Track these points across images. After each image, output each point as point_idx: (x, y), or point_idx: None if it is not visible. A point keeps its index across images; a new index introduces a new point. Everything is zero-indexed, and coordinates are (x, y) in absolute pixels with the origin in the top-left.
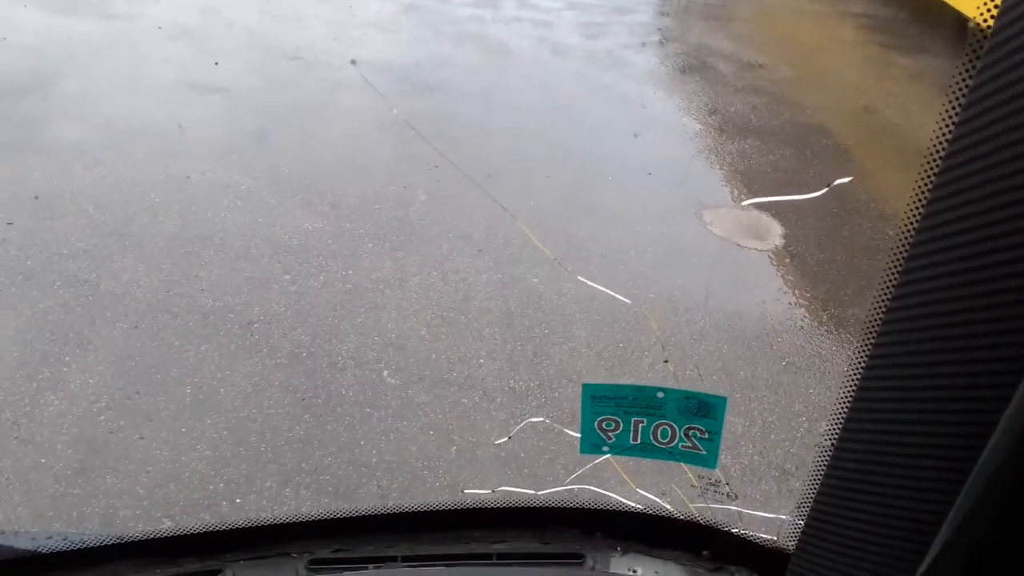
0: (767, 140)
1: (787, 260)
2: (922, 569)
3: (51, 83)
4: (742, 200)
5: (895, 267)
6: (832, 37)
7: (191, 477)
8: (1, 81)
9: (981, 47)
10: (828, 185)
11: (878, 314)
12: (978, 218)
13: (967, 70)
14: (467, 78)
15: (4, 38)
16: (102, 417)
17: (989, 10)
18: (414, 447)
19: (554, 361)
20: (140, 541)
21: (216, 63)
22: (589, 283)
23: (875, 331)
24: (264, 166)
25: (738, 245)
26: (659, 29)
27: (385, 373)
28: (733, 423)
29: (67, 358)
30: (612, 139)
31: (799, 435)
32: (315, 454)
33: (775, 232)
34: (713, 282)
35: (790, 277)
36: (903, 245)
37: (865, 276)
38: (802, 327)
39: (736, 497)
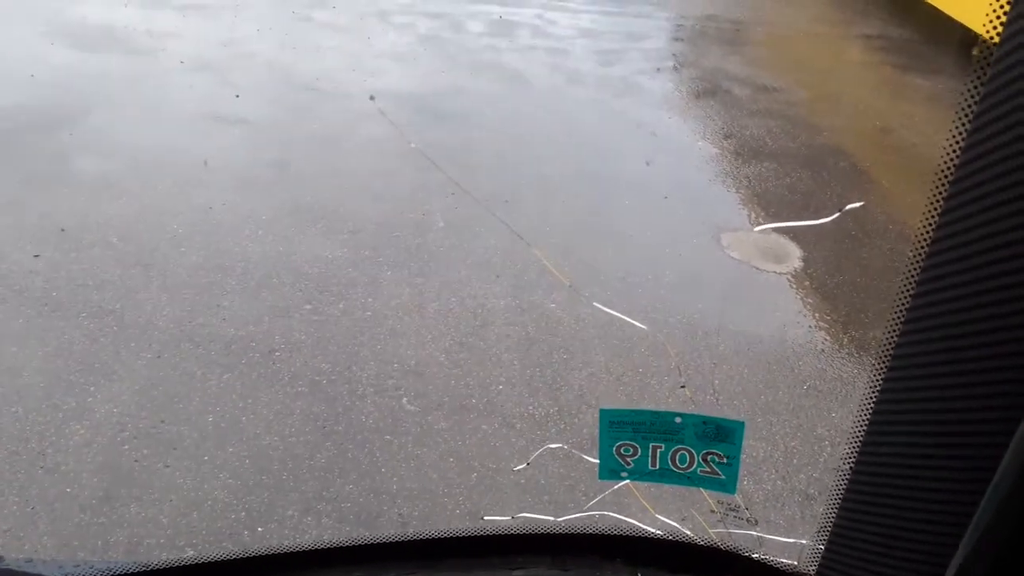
0: (783, 163)
1: (806, 283)
2: None
3: (77, 117)
4: (760, 223)
5: (908, 288)
6: (847, 59)
7: (214, 505)
8: (29, 116)
9: (988, 66)
10: (840, 210)
11: (893, 336)
12: (989, 241)
13: (974, 88)
14: (483, 106)
15: (32, 75)
16: (126, 446)
17: (995, 27)
18: (434, 474)
19: (573, 387)
20: (164, 569)
21: (237, 95)
22: (605, 309)
23: (889, 354)
24: (285, 196)
25: (756, 268)
26: (673, 55)
27: (405, 400)
28: (755, 447)
29: (92, 388)
30: (628, 164)
31: (822, 459)
32: (336, 482)
33: (793, 255)
34: (732, 305)
35: (809, 300)
36: (916, 266)
37: (885, 298)
38: (823, 350)
39: (756, 522)
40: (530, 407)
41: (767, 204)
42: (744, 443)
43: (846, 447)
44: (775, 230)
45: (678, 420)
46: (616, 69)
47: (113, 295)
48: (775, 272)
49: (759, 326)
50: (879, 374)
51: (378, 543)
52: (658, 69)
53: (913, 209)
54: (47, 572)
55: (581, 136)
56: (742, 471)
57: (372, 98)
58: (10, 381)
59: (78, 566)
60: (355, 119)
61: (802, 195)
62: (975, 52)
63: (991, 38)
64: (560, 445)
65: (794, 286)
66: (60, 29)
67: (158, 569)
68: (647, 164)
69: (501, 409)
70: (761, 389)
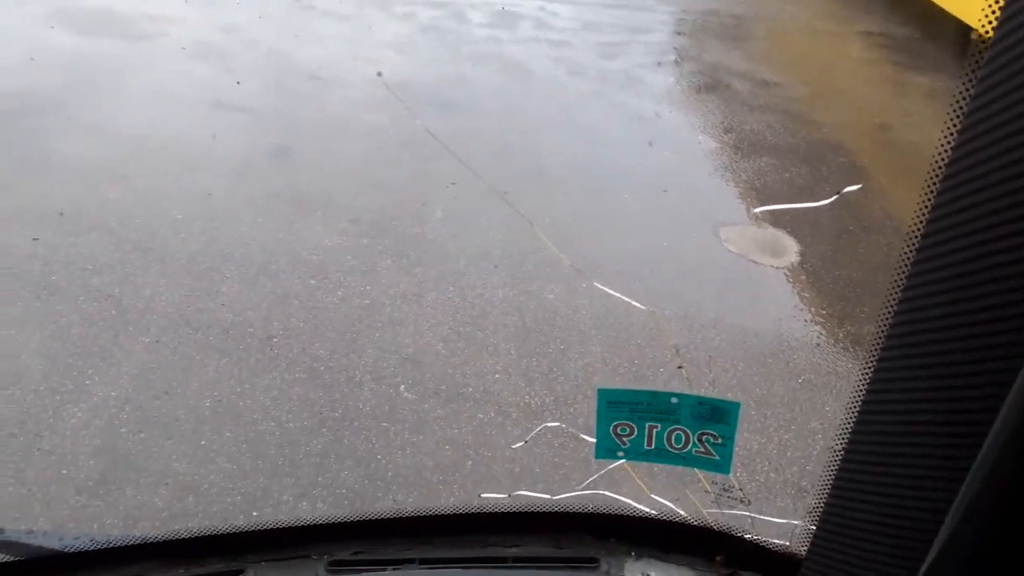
0: (782, 158)
1: (803, 277)
2: (924, 568)
3: (77, 102)
4: (758, 217)
5: (901, 277)
6: (848, 56)
7: (210, 489)
8: (29, 100)
9: (983, 58)
10: (838, 192)
11: (884, 326)
12: (980, 235)
13: (968, 80)
14: (484, 97)
15: (32, 58)
16: (124, 429)
17: (990, 20)
18: (430, 461)
19: (569, 377)
20: (164, 542)
21: (238, 82)
22: (606, 289)
23: (881, 342)
24: (285, 183)
25: (754, 262)
26: (675, 49)
27: (402, 388)
28: (749, 440)
29: (90, 371)
30: (628, 157)
31: (815, 452)
32: (332, 467)
33: (791, 249)
34: (729, 299)
35: (806, 294)
36: (909, 254)
37: (881, 294)
38: (818, 344)
39: (749, 503)
40: (526, 396)
41: (766, 199)
42: (738, 434)
43: (839, 433)
44: (773, 224)
45: (674, 400)
46: (618, 62)
47: (112, 279)
48: (772, 266)
49: (755, 320)
50: (871, 358)
51: (377, 519)
52: (659, 63)
53: (910, 205)
54: (47, 543)
55: (581, 128)
56: (735, 463)
57: (379, 74)
58: (8, 364)
59: (77, 538)
60: (356, 108)
61: (800, 190)
62: (974, 36)
63: (986, 33)
64: (558, 423)
65: (791, 280)
66: (61, 12)
67: (158, 541)
68: (649, 156)
69: (497, 398)
70: (756, 382)
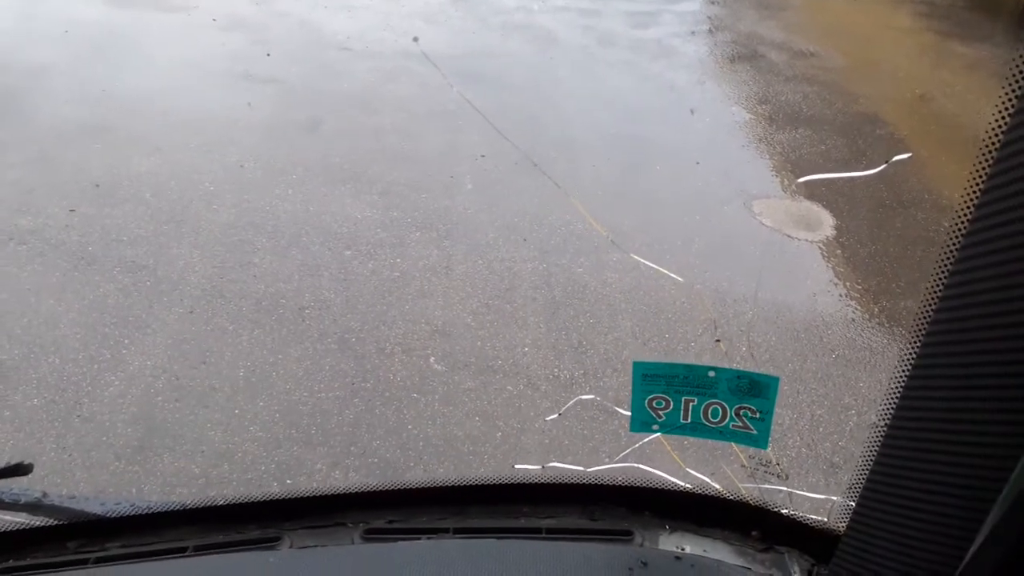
0: (819, 130)
1: (838, 251)
2: (973, 549)
3: (110, 74)
4: (793, 191)
5: (949, 256)
6: (887, 25)
7: (244, 457)
8: (63, 73)
9: None
10: (886, 162)
11: (932, 302)
12: None
13: None
14: (515, 68)
15: (66, 31)
16: (159, 398)
17: None
18: (460, 432)
19: (599, 350)
20: (203, 508)
21: (268, 54)
22: (645, 262)
23: (928, 318)
24: (315, 155)
25: (788, 236)
26: (709, 18)
27: (432, 359)
28: (781, 415)
29: (126, 340)
30: (660, 128)
31: (848, 428)
32: (364, 437)
33: (826, 223)
34: (762, 273)
35: (841, 269)
36: (957, 235)
37: (918, 268)
38: (853, 319)
39: (787, 477)
40: (555, 369)
41: (801, 172)
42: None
43: (873, 416)
44: (808, 197)
45: (712, 374)
46: (650, 31)
47: (146, 250)
48: (807, 240)
49: (789, 294)
50: (917, 337)
51: (412, 488)
52: (693, 32)
53: (950, 179)
54: (89, 508)
55: (612, 99)
56: (772, 426)
57: (415, 39)
58: (48, 332)
59: (118, 503)
60: (385, 79)
61: (837, 163)
62: None
63: None
64: (592, 396)
65: (826, 255)
66: None
67: (198, 508)
68: (691, 112)
69: (527, 371)
70: (789, 357)
